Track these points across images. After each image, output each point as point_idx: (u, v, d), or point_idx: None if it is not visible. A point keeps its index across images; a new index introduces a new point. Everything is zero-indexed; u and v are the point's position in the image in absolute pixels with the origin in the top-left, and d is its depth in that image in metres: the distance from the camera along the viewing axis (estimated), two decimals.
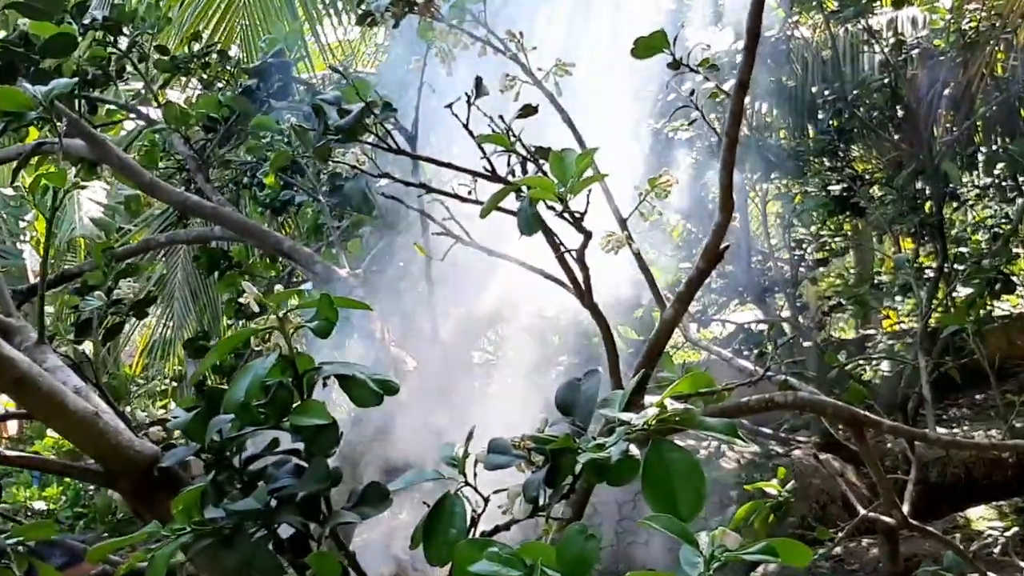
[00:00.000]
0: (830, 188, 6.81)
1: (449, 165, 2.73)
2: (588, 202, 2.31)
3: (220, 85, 4.78)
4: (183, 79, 5.34)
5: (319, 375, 1.82)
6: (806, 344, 7.17)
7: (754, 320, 7.85)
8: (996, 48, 5.96)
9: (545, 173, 2.48)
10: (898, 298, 7.62)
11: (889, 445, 6.68)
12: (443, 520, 1.88)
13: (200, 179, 3.79)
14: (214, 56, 4.96)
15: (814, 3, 6.00)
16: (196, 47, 4.83)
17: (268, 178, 2.74)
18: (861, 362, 7.24)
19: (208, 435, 1.85)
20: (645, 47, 2.70)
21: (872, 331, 8.44)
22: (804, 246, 7.93)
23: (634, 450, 1.69)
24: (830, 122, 6.72)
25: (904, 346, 7.06)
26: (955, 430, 7.19)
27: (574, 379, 1.98)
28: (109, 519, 7.48)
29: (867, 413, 2.97)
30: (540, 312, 3.90)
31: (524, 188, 2.34)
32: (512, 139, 2.43)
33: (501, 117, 2.48)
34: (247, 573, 1.69)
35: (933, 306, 6.48)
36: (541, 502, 1.91)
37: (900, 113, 6.63)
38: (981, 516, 6.86)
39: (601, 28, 3.73)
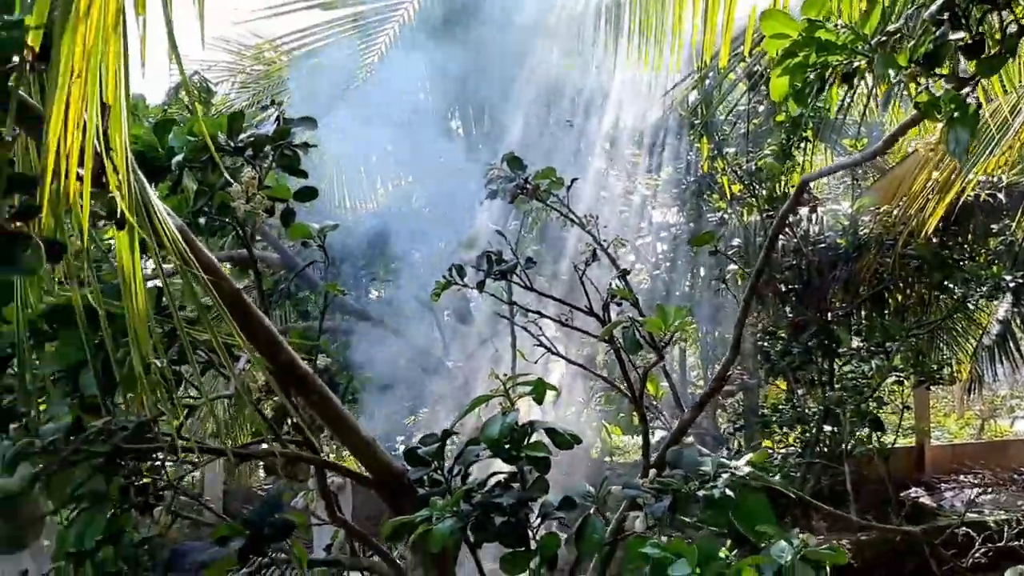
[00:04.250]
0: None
1: (562, 301, 3.49)
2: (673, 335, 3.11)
3: None
4: None
5: (533, 427, 2.53)
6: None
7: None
8: (879, 249, 7.05)
9: (642, 314, 3.27)
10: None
11: None
12: (588, 529, 2.57)
13: None
14: None
15: (753, 204, 7.03)
16: None
17: (434, 297, 3.42)
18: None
19: (457, 461, 2.54)
20: (699, 241, 3.53)
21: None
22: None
23: (729, 492, 2.43)
24: None
25: (792, 463, 7.89)
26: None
27: (678, 448, 2.72)
28: None
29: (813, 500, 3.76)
30: None
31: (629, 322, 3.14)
32: (627, 288, 3.19)
33: (626, 272, 3.23)
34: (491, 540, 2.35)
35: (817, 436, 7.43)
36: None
37: (800, 287, 7.62)
38: None
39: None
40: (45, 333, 2.33)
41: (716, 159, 7.03)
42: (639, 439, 9.63)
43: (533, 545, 2.39)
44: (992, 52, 2.21)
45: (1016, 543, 6.84)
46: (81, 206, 1.70)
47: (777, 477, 7.75)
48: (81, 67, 1.42)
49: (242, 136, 2.97)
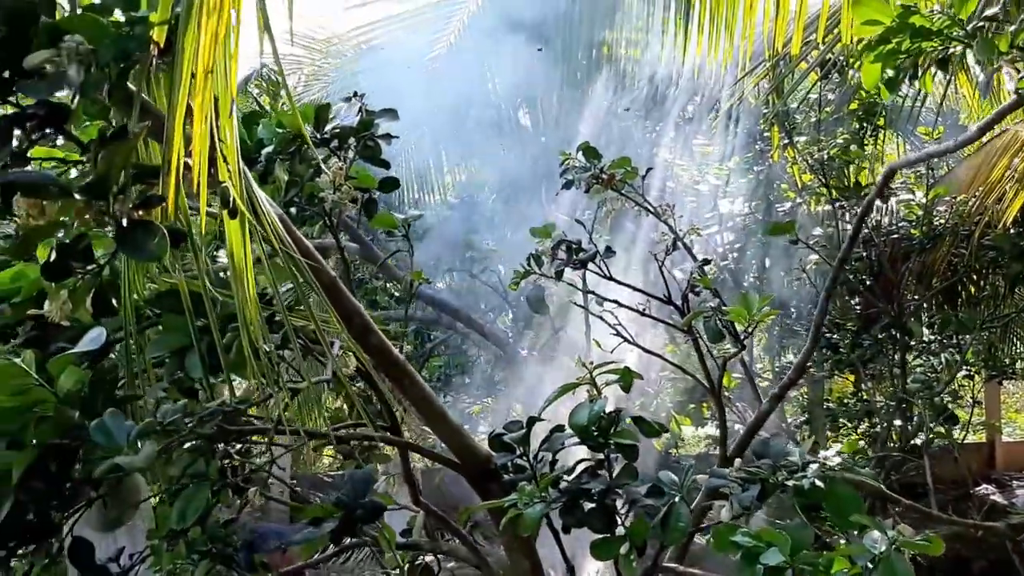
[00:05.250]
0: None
1: (641, 291, 3.51)
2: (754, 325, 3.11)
3: None
4: None
5: (620, 415, 2.55)
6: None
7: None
8: (954, 240, 6.90)
9: (723, 303, 3.27)
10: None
11: None
12: (673, 516, 2.58)
13: None
14: None
15: (823, 193, 6.93)
16: None
17: (512, 286, 3.46)
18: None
19: (543, 447, 2.57)
20: (777, 230, 3.51)
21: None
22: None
23: (819, 482, 2.42)
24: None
25: (861, 460, 7.77)
26: None
27: (764, 439, 2.72)
28: None
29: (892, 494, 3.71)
30: None
31: (711, 311, 3.14)
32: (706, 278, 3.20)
33: (706, 262, 3.23)
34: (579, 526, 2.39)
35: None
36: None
37: (871, 279, 7.47)
38: None
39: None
40: (149, 318, 2.42)
41: (787, 148, 6.94)
42: (702, 432, 9.59)
43: (620, 531, 2.42)
44: None
45: None
46: (198, 196, 1.76)
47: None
48: (208, 62, 1.48)
49: (327, 127, 3.04)
